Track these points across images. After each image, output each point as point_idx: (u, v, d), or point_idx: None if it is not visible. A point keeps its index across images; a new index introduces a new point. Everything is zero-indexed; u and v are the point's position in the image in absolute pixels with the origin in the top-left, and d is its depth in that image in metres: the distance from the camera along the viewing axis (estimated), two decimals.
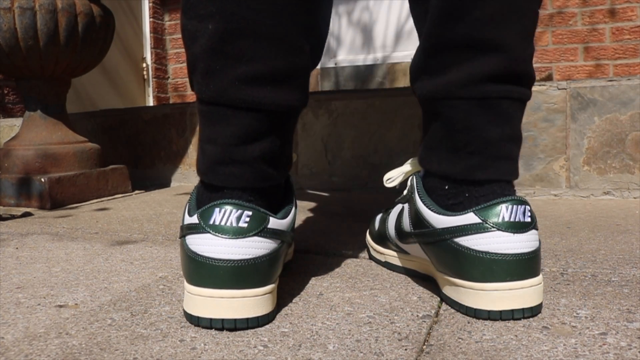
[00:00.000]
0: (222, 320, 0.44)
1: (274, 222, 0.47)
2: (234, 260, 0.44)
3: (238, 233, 0.44)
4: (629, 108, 1.06)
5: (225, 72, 0.46)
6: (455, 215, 0.48)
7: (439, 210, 0.49)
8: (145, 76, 2.67)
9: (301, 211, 1.02)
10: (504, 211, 0.46)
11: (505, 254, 0.45)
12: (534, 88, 1.12)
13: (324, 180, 1.31)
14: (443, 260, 0.49)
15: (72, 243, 0.80)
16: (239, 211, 0.45)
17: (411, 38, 2.26)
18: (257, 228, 0.45)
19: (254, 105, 0.46)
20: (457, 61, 0.48)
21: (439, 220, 0.49)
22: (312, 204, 1.09)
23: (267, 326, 0.45)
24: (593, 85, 1.08)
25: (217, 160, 0.48)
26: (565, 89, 1.10)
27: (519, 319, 0.45)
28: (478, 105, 0.48)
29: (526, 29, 0.48)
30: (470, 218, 0.46)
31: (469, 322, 0.45)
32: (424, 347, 0.41)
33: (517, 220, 0.46)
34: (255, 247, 0.45)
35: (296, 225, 0.83)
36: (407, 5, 2.25)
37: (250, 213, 0.45)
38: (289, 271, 0.61)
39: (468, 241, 0.46)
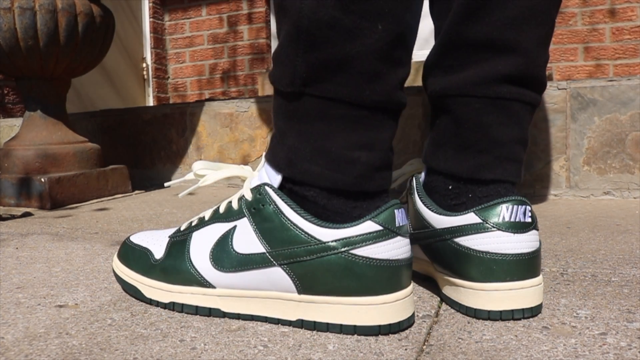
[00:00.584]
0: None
1: None
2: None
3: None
4: (629, 108, 1.06)
5: (390, 76, 0.43)
6: (455, 215, 0.48)
7: (439, 211, 0.49)
8: (145, 76, 2.67)
9: None
10: (504, 211, 0.46)
11: (506, 254, 0.45)
12: None
13: None
14: (443, 261, 0.49)
15: (72, 243, 0.80)
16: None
17: None
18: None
19: (402, 107, 0.46)
20: (473, 60, 0.49)
21: (439, 221, 0.49)
22: None
23: (267, 326, 0.45)
24: (593, 85, 1.08)
25: (376, 166, 0.45)
26: (566, 89, 1.10)
27: (519, 319, 0.45)
28: (491, 105, 0.49)
29: (544, 35, 0.49)
30: (470, 218, 0.47)
31: (469, 322, 0.45)
32: (424, 347, 0.41)
33: (517, 220, 0.46)
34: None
35: None
36: None
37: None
38: None
39: (468, 241, 0.46)
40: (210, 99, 2.06)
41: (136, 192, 1.40)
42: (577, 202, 1.05)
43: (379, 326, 0.43)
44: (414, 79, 2.14)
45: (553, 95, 1.11)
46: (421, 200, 0.52)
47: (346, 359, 0.39)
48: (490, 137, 0.49)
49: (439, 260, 0.49)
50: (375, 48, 0.42)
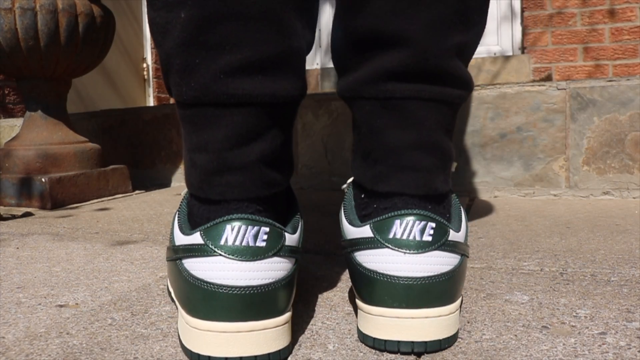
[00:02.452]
0: (241, 358, 0.37)
1: (289, 238, 0.40)
2: (253, 287, 0.37)
3: (257, 254, 0.37)
4: (629, 108, 1.06)
5: (206, 65, 0.38)
6: (357, 227, 0.42)
7: (350, 221, 0.44)
8: (146, 76, 2.67)
9: (301, 211, 1.02)
10: (396, 226, 0.39)
11: (394, 276, 0.38)
12: (533, 88, 1.12)
13: (324, 180, 1.31)
14: (350, 275, 0.44)
15: (73, 243, 0.80)
16: (256, 227, 0.38)
17: None
18: (276, 246, 0.38)
19: (246, 100, 0.39)
20: (364, 57, 0.42)
21: (347, 231, 0.44)
22: (312, 204, 1.09)
23: None
24: (592, 86, 1.08)
25: (211, 170, 0.41)
26: (565, 89, 1.10)
27: (408, 353, 0.39)
28: (382, 107, 0.42)
29: (440, 18, 0.40)
30: (365, 231, 0.41)
31: (468, 322, 0.45)
32: None
33: (412, 238, 0.39)
34: (275, 269, 0.38)
35: None
36: None
37: (267, 229, 0.38)
38: None
39: (361, 257, 0.41)
40: None
41: (137, 192, 1.40)
42: (577, 202, 1.05)
43: (190, 351, 0.38)
44: None
45: (552, 95, 1.11)
46: (343, 208, 0.47)
47: (346, 359, 0.39)
48: (383, 143, 0.43)
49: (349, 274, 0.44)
50: (182, 39, 0.38)
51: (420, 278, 0.39)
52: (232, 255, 0.37)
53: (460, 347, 0.40)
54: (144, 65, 2.67)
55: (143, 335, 0.44)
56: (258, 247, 0.38)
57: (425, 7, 0.40)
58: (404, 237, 0.39)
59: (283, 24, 0.39)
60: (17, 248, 0.77)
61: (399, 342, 0.38)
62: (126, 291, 0.56)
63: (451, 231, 0.41)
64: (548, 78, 2.05)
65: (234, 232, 0.38)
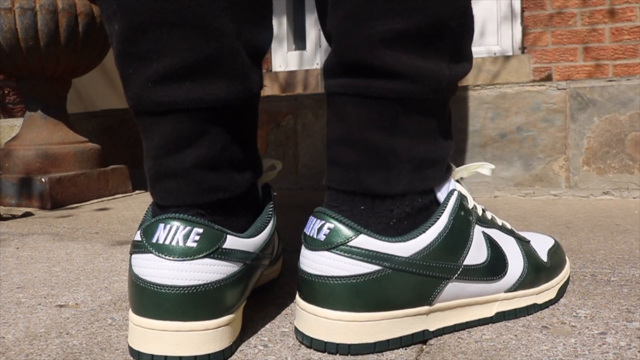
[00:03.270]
0: (165, 357, 0.37)
1: (234, 241, 0.40)
2: (180, 287, 0.37)
3: (185, 254, 0.37)
4: (629, 108, 1.06)
5: (137, 75, 0.39)
6: None
7: None
8: None
9: (301, 211, 1.02)
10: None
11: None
12: (533, 88, 1.12)
13: None
14: None
15: (73, 243, 0.80)
16: (187, 228, 0.38)
17: None
18: (210, 248, 0.38)
19: (172, 107, 0.39)
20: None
21: None
22: (311, 204, 1.09)
23: (267, 326, 0.45)
24: (593, 86, 1.08)
25: (152, 176, 0.42)
26: (565, 89, 1.10)
27: None
28: (326, 102, 0.43)
29: (358, 8, 0.39)
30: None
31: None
32: (424, 346, 0.41)
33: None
34: (206, 271, 0.38)
35: (297, 225, 0.83)
36: None
37: (201, 230, 0.38)
38: (288, 271, 0.61)
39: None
40: None
41: (137, 192, 1.40)
42: (577, 202, 1.05)
43: (128, 344, 0.39)
44: None
45: (552, 95, 1.11)
46: None
47: (346, 359, 0.39)
48: (326, 138, 0.43)
49: None
50: (117, 51, 0.40)
51: (308, 274, 0.40)
52: (161, 254, 0.38)
53: (461, 347, 0.40)
54: None
55: None
56: (188, 247, 0.38)
57: (337, 1, 0.40)
58: (308, 232, 0.41)
59: (209, 28, 0.39)
60: (17, 248, 0.77)
61: (297, 330, 0.41)
62: (126, 291, 0.56)
63: (363, 237, 0.39)
64: (548, 78, 2.05)
65: (165, 230, 0.38)
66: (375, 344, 0.39)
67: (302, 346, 0.41)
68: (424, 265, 0.40)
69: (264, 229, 0.44)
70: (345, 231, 0.39)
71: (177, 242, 0.38)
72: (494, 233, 0.46)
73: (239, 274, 0.40)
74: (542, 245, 0.51)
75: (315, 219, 0.41)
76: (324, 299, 0.39)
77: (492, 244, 0.45)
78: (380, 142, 0.40)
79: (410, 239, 0.40)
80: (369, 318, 0.39)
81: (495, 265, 0.44)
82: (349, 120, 0.41)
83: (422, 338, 0.41)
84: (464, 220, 0.43)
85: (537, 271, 0.47)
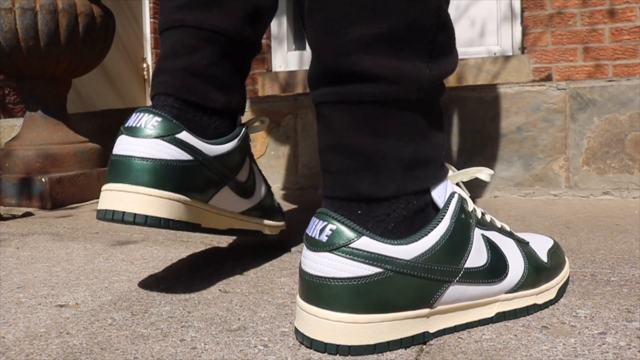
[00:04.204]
0: (123, 213, 0.50)
1: (188, 137, 0.53)
2: (136, 157, 0.51)
3: (141, 134, 0.51)
4: (629, 108, 1.06)
5: (166, 3, 0.58)
6: None
7: None
8: (146, 76, 2.67)
9: (301, 211, 1.02)
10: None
11: (300, 268, 0.42)
12: (533, 88, 1.12)
13: None
14: None
15: (73, 243, 0.80)
16: (150, 116, 0.52)
17: None
18: (163, 134, 0.51)
19: (177, 24, 0.56)
20: None
21: None
22: (311, 204, 1.09)
23: (267, 326, 0.45)
24: (592, 86, 1.08)
25: (155, 73, 0.57)
26: (565, 89, 1.10)
27: (302, 344, 0.41)
28: (316, 113, 0.45)
29: (332, 16, 0.40)
30: None
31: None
32: (424, 346, 0.41)
33: (313, 236, 0.41)
34: (158, 149, 0.51)
35: (297, 226, 0.83)
36: None
37: (159, 119, 0.52)
38: (288, 271, 0.61)
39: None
40: None
41: None
42: (577, 202, 1.05)
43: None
44: None
45: (552, 95, 1.11)
46: None
47: (346, 358, 0.39)
48: (318, 147, 0.45)
49: None
50: None
51: (309, 275, 0.40)
52: (125, 132, 0.53)
53: (461, 347, 0.40)
54: (144, 65, 2.67)
55: (143, 335, 0.44)
56: (144, 129, 0.52)
57: (320, 8, 0.40)
58: (310, 233, 0.41)
59: None
60: (17, 248, 0.77)
61: (297, 330, 0.42)
62: (126, 291, 0.56)
63: (365, 239, 0.39)
64: (548, 78, 2.05)
65: (133, 116, 0.53)
66: (375, 345, 0.40)
67: (302, 346, 0.41)
68: (426, 269, 0.40)
69: (227, 142, 0.58)
70: (348, 233, 0.39)
71: (139, 124, 0.52)
72: (494, 235, 0.46)
73: (189, 165, 0.53)
74: (541, 246, 0.52)
75: (317, 220, 0.41)
76: (324, 300, 0.39)
77: (491, 247, 0.45)
78: (366, 146, 0.41)
79: (413, 242, 0.40)
80: (370, 320, 0.39)
81: (496, 268, 0.45)
82: (334, 127, 0.42)
83: (422, 340, 0.41)
84: (464, 223, 0.43)
85: (537, 272, 0.48)
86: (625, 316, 0.45)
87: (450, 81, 2.09)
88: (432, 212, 0.43)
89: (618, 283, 0.54)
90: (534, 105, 1.12)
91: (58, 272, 0.64)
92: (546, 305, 0.48)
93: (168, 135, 0.52)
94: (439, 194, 0.43)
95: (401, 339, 0.40)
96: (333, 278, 0.39)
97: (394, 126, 0.41)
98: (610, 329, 0.42)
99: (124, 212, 0.50)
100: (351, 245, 0.39)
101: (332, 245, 0.39)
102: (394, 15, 0.39)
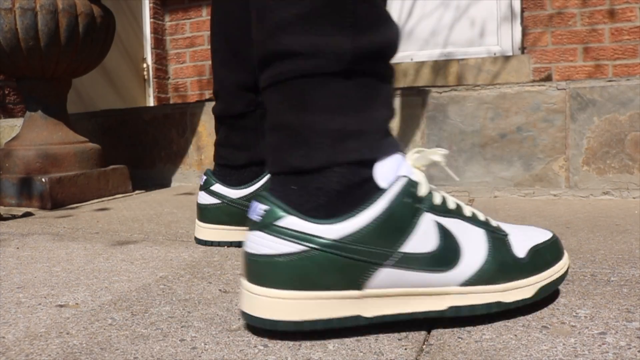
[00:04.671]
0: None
1: (218, 187, 0.76)
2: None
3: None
4: (628, 108, 1.06)
5: None
6: None
7: None
8: (146, 76, 2.67)
9: None
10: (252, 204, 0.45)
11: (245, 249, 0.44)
12: (533, 88, 1.12)
13: None
14: None
15: (73, 243, 0.80)
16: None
17: (411, 38, 2.26)
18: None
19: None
20: None
21: None
22: None
23: None
24: (592, 86, 1.08)
25: None
26: (565, 89, 1.10)
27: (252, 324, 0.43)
28: None
29: (259, 10, 0.43)
30: None
31: (468, 322, 0.45)
32: (424, 346, 0.41)
33: (250, 216, 0.44)
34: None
35: None
36: (407, 5, 2.26)
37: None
38: None
39: None
40: (211, 99, 2.05)
41: (137, 192, 1.40)
42: (577, 202, 1.05)
43: None
44: (414, 80, 2.14)
45: (552, 95, 1.11)
46: None
47: (346, 358, 0.39)
48: None
49: None
50: None
51: (245, 252, 0.43)
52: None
53: (460, 347, 0.40)
54: (144, 65, 2.67)
55: (143, 335, 0.44)
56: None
57: (255, 2, 0.44)
58: (250, 215, 0.43)
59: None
60: (17, 248, 0.77)
61: (243, 312, 0.43)
62: (126, 291, 0.56)
63: (291, 217, 0.41)
64: (548, 78, 2.05)
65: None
66: (303, 322, 0.41)
67: (302, 346, 0.41)
68: (351, 249, 0.41)
69: (249, 186, 0.74)
70: (276, 212, 0.42)
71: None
72: (453, 223, 0.44)
73: (215, 206, 0.75)
74: (526, 241, 0.48)
75: (256, 203, 0.43)
76: (254, 276, 0.42)
77: (445, 234, 0.43)
78: (295, 120, 0.43)
79: (340, 221, 0.41)
80: (294, 296, 0.41)
81: (444, 256, 0.43)
82: (271, 109, 0.45)
83: (356, 323, 0.42)
84: (406, 207, 0.42)
85: (503, 267, 0.45)
86: (625, 316, 0.45)
87: (450, 81, 2.09)
88: (372, 192, 0.42)
89: (618, 283, 0.54)
90: (534, 105, 1.12)
91: (58, 272, 0.64)
92: (517, 304, 0.45)
93: None
94: (384, 174, 0.43)
95: (331, 319, 0.41)
96: (260, 255, 0.41)
97: (321, 99, 0.42)
98: (610, 329, 0.42)
99: None
100: (279, 224, 0.41)
101: (262, 224, 0.42)
102: None
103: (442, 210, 0.44)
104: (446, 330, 0.44)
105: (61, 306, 0.52)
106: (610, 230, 0.78)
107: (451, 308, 0.43)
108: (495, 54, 2.14)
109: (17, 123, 1.68)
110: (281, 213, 0.41)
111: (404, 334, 0.43)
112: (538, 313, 0.46)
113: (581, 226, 0.82)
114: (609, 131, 1.08)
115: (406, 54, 2.26)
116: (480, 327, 0.44)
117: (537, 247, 0.48)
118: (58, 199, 1.18)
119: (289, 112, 0.43)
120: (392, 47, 0.44)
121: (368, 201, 0.42)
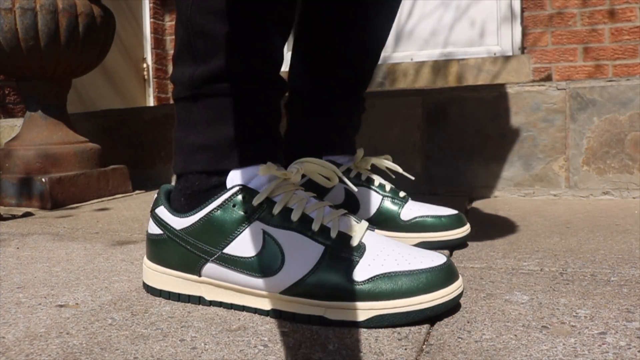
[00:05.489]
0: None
1: None
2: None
3: None
4: (628, 108, 1.06)
5: None
6: None
7: None
8: (146, 76, 2.67)
9: None
10: None
11: None
12: (533, 88, 1.12)
13: None
14: None
15: (73, 243, 0.80)
16: None
17: (411, 39, 2.26)
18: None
19: None
20: None
21: None
22: None
23: (267, 326, 0.45)
24: (592, 86, 1.08)
25: None
26: (565, 89, 1.10)
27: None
28: None
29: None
30: None
31: (468, 322, 0.45)
32: (424, 346, 0.41)
33: None
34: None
35: None
36: (407, 5, 2.25)
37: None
38: None
39: None
40: None
41: (137, 192, 1.40)
42: (577, 202, 1.05)
43: None
44: (414, 80, 2.14)
45: (552, 95, 1.11)
46: None
47: (346, 358, 0.39)
48: None
49: None
50: None
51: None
52: None
53: (460, 347, 0.40)
54: (144, 65, 2.67)
55: (143, 335, 0.44)
56: None
57: None
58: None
59: None
60: (17, 248, 0.77)
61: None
62: (126, 291, 0.56)
63: (161, 207, 0.53)
64: (548, 78, 2.05)
65: None
66: (160, 290, 0.53)
67: (302, 346, 0.41)
68: (186, 240, 0.50)
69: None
70: (157, 202, 0.54)
71: None
72: (285, 235, 0.47)
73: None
74: (383, 267, 0.46)
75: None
76: (146, 248, 0.55)
77: (269, 243, 0.47)
78: (174, 135, 0.55)
79: (184, 216, 0.50)
80: (155, 269, 0.53)
81: (263, 264, 0.47)
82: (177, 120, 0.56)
83: (198, 302, 0.51)
84: (230, 214, 0.48)
85: (326, 284, 0.45)
86: (626, 316, 0.45)
87: (450, 81, 2.08)
88: (214, 196, 0.50)
89: (618, 283, 0.54)
90: (534, 105, 1.12)
91: (58, 272, 0.64)
92: (345, 324, 0.44)
93: None
94: (231, 182, 0.50)
95: (179, 294, 0.52)
96: (147, 232, 0.54)
97: (181, 118, 0.54)
98: (611, 329, 0.42)
99: None
100: (155, 211, 0.53)
101: (151, 209, 0.54)
102: (177, 36, 0.54)
103: (277, 221, 0.48)
104: (446, 330, 0.44)
105: (61, 306, 0.52)
106: (610, 230, 0.78)
107: (274, 311, 0.47)
108: (495, 54, 2.14)
109: (17, 123, 1.68)
110: (159, 203, 0.53)
111: (404, 333, 0.43)
112: (538, 313, 0.46)
113: (581, 226, 0.82)
114: (609, 131, 1.07)
115: (406, 54, 2.26)
116: (480, 327, 0.44)
117: (390, 275, 0.45)
118: (58, 199, 1.18)
119: (178, 128, 0.54)
120: (230, 71, 0.51)
121: (203, 205, 0.50)
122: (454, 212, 0.71)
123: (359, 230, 0.48)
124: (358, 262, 0.46)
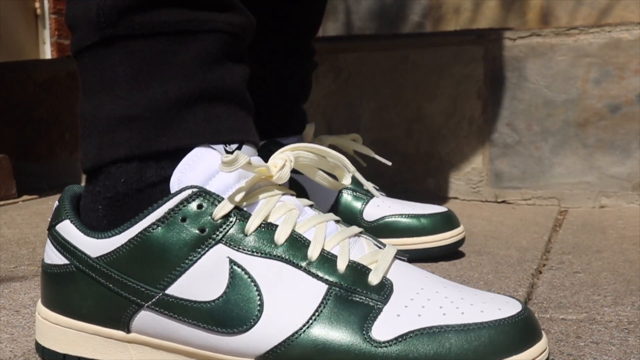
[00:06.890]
0: None
1: None
2: None
3: None
4: None
5: None
6: None
7: None
8: (39, 11, 2.67)
9: None
10: None
11: None
12: None
13: None
14: None
15: None
16: None
17: None
18: None
19: None
20: None
21: None
22: None
23: None
24: None
25: None
26: None
27: None
28: None
29: None
30: None
31: None
32: None
33: None
34: None
35: None
36: None
37: None
38: None
39: None
40: None
41: (24, 197, 1.40)
42: None
43: None
44: (472, 18, 2.14)
45: None
46: None
47: None
48: None
49: None
50: None
51: None
52: None
53: None
54: None
55: None
56: None
57: None
58: None
59: None
60: None
61: None
62: (7, 358, 0.56)
63: (66, 222, 0.51)
64: None
65: None
66: (65, 355, 0.50)
67: None
68: (107, 275, 0.48)
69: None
70: (59, 213, 0.51)
71: None
72: (266, 267, 0.46)
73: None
74: (422, 316, 0.45)
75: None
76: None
77: (239, 280, 0.46)
78: (79, 109, 0.53)
79: (105, 237, 0.48)
80: (57, 321, 0.50)
81: (228, 313, 0.45)
82: None
83: None
84: (177, 233, 0.47)
85: (329, 347, 0.44)
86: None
87: (531, 20, 2.09)
88: (152, 202, 0.48)
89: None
90: None
91: None
92: None
93: None
94: (179, 180, 0.48)
95: None
96: (42, 262, 0.52)
97: (88, 81, 0.52)
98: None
99: None
100: (56, 228, 0.50)
101: (49, 227, 0.51)
102: None
103: (253, 245, 0.46)
104: None
105: None
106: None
107: None
108: None
109: None
110: (61, 215, 0.51)
111: None
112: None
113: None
114: None
115: None
116: None
117: (433, 331, 0.44)
118: None
119: (80, 97, 0.53)
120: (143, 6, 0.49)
121: (136, 218, 0.47)
122: (441, 209, 0.75)
123: (383, 260, 0.48)
124: (381, 310, 0.45)
